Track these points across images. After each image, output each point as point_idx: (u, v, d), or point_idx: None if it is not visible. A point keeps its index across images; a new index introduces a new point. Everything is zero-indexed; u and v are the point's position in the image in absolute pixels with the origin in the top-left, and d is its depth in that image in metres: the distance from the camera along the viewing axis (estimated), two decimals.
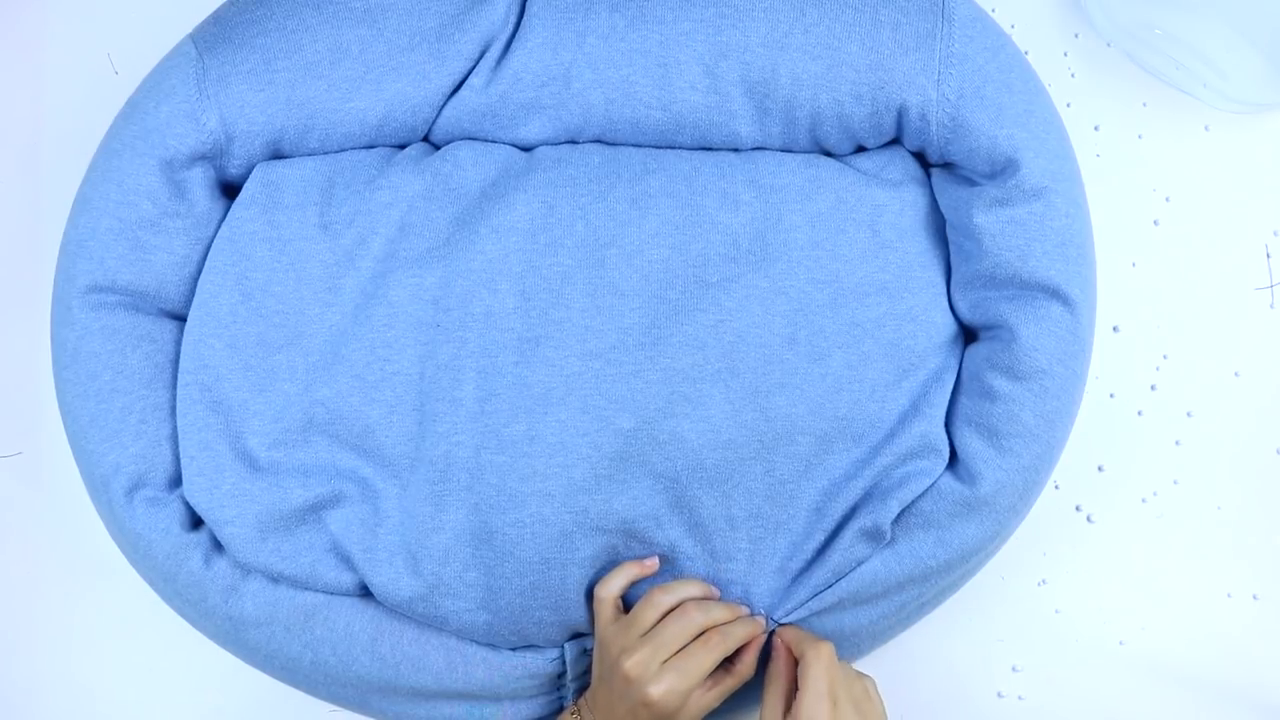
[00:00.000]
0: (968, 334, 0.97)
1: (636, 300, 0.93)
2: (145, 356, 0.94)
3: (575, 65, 0.94)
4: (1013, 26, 1.07)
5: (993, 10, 1.06)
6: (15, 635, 1.04)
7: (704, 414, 0.92)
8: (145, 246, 0.93)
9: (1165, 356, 1.05)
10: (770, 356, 0.93)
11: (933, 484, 0.93)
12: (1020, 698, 1.04)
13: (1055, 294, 0.92)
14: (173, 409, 0.95)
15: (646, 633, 0.90)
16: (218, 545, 0.94)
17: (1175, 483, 1.05)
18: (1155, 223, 1.06)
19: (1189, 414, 1.05)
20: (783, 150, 0.97)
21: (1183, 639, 1.04)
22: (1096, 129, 1.06)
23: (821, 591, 0.94)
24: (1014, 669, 1.04)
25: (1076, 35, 1.07)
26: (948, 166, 0.96)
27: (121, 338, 0.93)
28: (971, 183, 0.95)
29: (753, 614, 0.94)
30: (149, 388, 0.94)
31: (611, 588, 0.93)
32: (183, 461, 0.93)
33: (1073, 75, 1.07)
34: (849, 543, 0.93)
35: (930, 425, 0.94)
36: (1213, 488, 1.04)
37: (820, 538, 0.94)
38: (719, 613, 0.92)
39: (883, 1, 0.94)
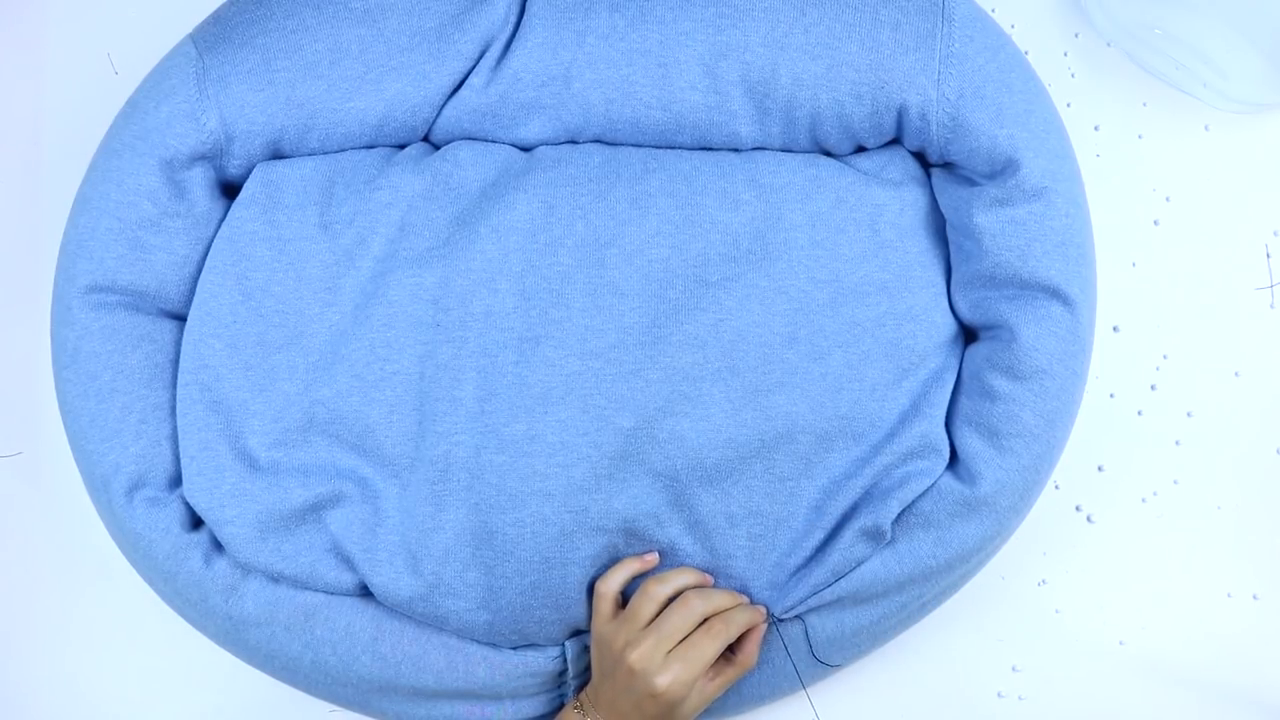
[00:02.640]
0: (968, 334, 0.97)
1: (637, 300, 0.93)
2: (145, 356, 0.94)
3: (575, 65, 0.94)
4: (1013, 26, 1.07)
5: (993, 10, 1.06)
6: (15, 635, 1.04)
7: (704, 413, 0.92)
8: (145, 246, 0.93)
9: (1165, 356, 1.05)
10: (770, 356, 0.93)
11: (933, 484, 0.93)
12: (1020, 698, 1.04)
13: (1055, 294, 0.92)
14: (173, 409, 0.95)
15: (648, 625, 0.90)
16: (218, 545, 0.94)
17: (1175, 483, 1.05)
18: (1155, 223, 1.06)
19: (1189, 414, 1.05)
20: (783, 150, 0.97)
21: (1183, 639, 1.04)
22: (1096, 129, 1.06)
23: (820, 590, 0.94)
24: (1014, 669, 1.04)
25: (1076, 35, 1.07)
26: (948, 166, 0.96)
27: (121, 338, 0.93)
28: (971, 182, 0.95)
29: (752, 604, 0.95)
30: (149, 387, 0.94)
31: (612, 583, 0.93)
32: (183, 461, 0.93)
33: (1073, 75, 1.07)
34: (849, 542, 0.93)
35: (930, 425, 0.94)
36: (1213, 488, 1.04)
37: (820, 535, 0.94)
38: (720, 599, 0.92)
39: (883, 1, 0.94)
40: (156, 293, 0.94)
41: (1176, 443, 1.05)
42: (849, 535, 0.93)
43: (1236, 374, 1.05)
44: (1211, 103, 1.05)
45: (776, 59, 0.93)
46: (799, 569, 0.95)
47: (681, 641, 0.90)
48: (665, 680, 0.88)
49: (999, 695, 1.04)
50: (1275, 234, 1.06)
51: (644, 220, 0.94)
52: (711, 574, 0.95)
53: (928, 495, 0.93)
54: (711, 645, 0.89)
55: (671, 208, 0.94)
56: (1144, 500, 1.04)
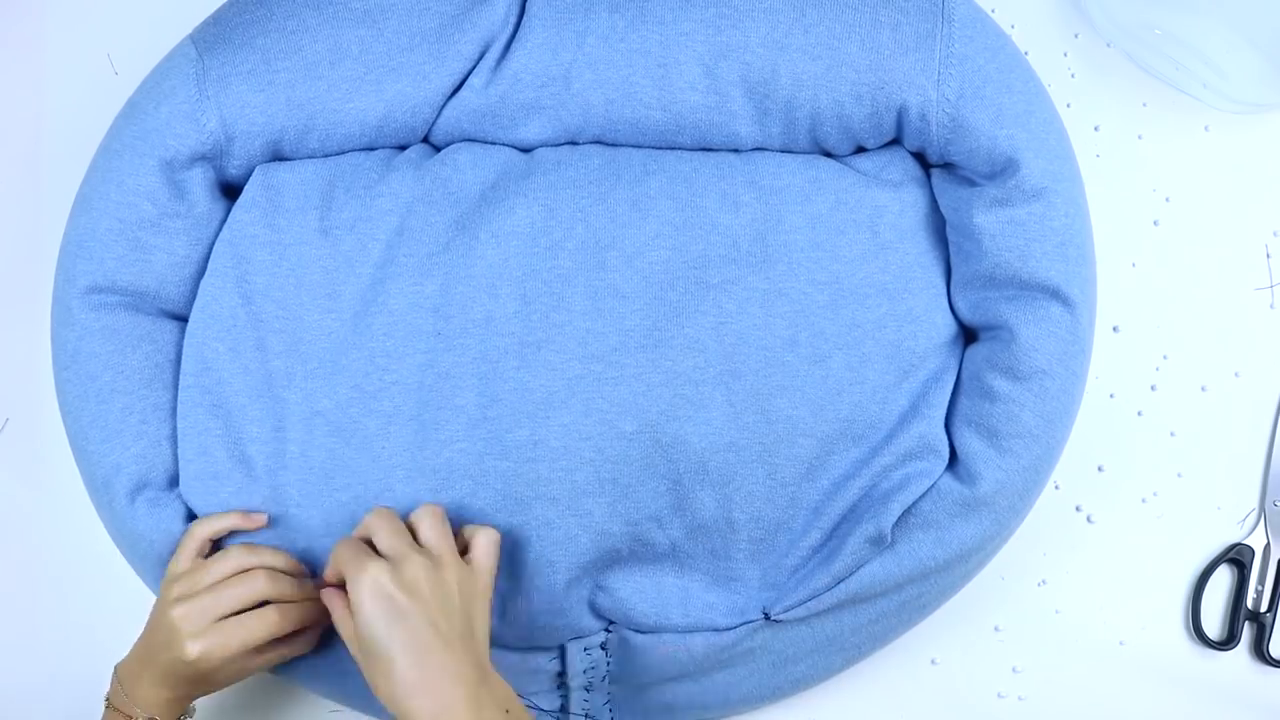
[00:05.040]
0: (968, 334, 0.97)
1: (637, 302, 0.93)
2: (145, 357, 0.94)
3: (575, 66, 0.94)
4: (1013, 26, 1.07)
5: (993, 10, 1.06)
6: (14, 634, 1.04)
7: (706, 416, 0.92)
8: (145, 247, 0.93)
9: (1165, 356, 1.05)
10: (771, 359, 0.93)
11: (933, 485, 0.93)
12: (1020, 698, 1.04)
13: (1055, 294, 0.92)
14: (173, 409, 0.95)
15: (210, 587, 0.88)
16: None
17: (1175, 482, 1.05)
18: (1155, 223, 1.06)
19: (1189, 414, 1.05)
20: (782, 151, 0.97)
21: (1182, 639, 1.04)
22: (1096, 129, 1.06)
23: (820, 594, 0.94)
24: (1014, 669, 1.04)
25: (1076, 35, 1.07)
26: (948, 167, 0.96)
27: (121, 338, 0.93)
28: (971, 183, 0.95)
29: (746, 613, 0.94)
30: (149, 388, 0.94)
31: (205, 529, 0.90)
32: (180, 465, 0.94)
33: (1073, 75, 1.07)
34: (851, 549, 0.92)
35: (930, 426, 0.94)
36: (1213, 488, 1.04)
37: (818, 535, 0.94)
38: (287, 588, 0.89)
39: (883, 2, 0.94)
40: (156, 293, 0.94)
41: (1177, 443, 1.05)
42: (851, 543, 0.92)
43: (1236, 374, 1.05)
44: (1211, 103, 1.05)
45: (776, 59, 0.93)
46: (797, 569, 0.94)
47: (234, 615, 0.87)
48: (196, 648, 0.86)
49: (999, 695, 1.04)
50: (1275, 234, 1.06)
51: (644, 222, 0.94)
52: (712, 574, 0.95)
53: (927, 496, 0.93)
54: (260, 629, 0.87)
55: (671, 210, 0.94)
56: (1144, 500, 1.04)
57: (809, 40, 0.93)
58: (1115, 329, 1.05)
